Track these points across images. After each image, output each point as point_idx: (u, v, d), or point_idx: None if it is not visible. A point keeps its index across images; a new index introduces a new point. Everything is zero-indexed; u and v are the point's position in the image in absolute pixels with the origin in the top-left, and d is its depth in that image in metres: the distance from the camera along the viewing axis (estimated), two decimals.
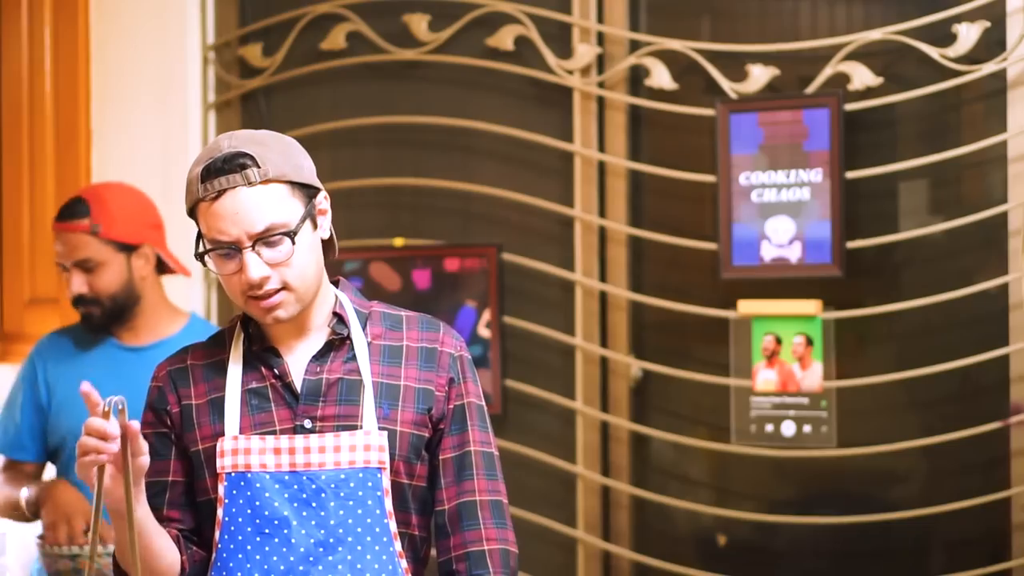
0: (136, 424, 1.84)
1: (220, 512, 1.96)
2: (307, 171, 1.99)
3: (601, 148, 3.21)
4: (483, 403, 2.08)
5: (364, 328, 2.03)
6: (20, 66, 3.74)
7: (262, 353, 2.01)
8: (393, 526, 1.95)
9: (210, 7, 3.56)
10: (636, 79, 3.20)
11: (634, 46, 3.19)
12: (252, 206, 1.90)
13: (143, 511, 1.91)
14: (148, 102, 3.57)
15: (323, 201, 2.01)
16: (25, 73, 3.73)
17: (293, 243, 1.92)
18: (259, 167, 1.91)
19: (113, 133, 3.63)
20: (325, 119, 3.46)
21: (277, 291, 1.93)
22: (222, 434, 1.97)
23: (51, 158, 3.69)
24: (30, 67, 3.73)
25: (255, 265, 1.90)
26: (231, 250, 1.92)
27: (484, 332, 3.25)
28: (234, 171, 1.90)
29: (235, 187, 1.90)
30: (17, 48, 3.75)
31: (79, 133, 3.65)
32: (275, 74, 3.50)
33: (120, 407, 1.82)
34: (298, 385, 1.99)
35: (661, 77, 3.12)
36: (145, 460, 1.86)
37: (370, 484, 1.94)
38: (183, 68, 3.53)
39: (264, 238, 1.91)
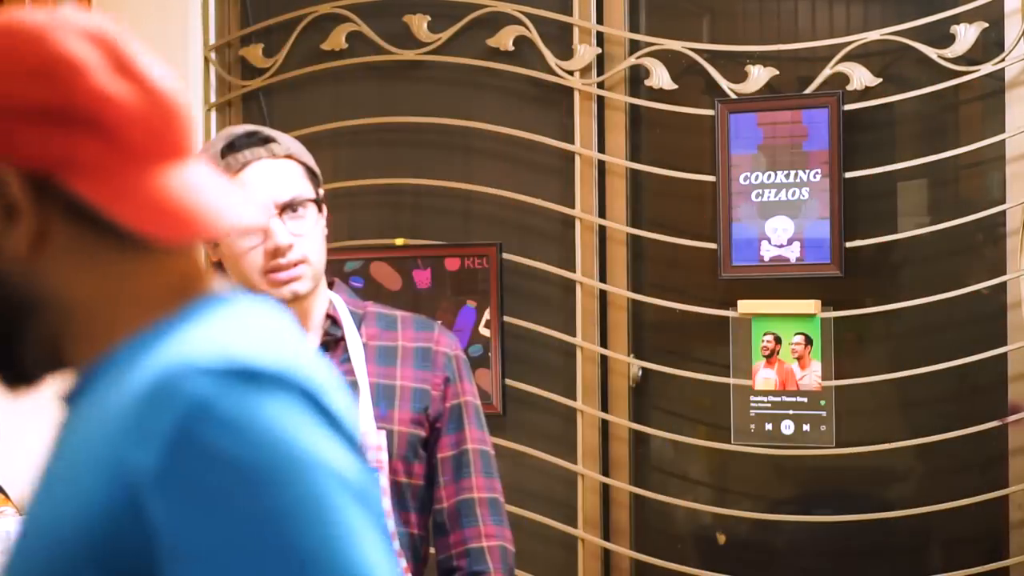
0: None
1: None
2: (312, 160, 2.04)
3: (601, 148, 3.22)
4: (479, 402, 2.09)
5: (359, 329, 2.05)
6: None
7: None
8: (391, 525, 1.96)
9: (211, 8, 3.57)
10: (636, 79, 3.21)
11: (634, 46, 3.20)
12: (278, 175, 1.96)
13: None
14: None
15: (322, 195, 2.05)
16: None
17: (320, 210, 1.97)
18: (278, 143, 1.96)
19: None
20: (326, 119, 3.47)
21: (297, 263, 1.95)
22: None
23: None
24: None
25: (283, 231, 1.94)
26: None
27: (484, 332, 3.26)
28: (257, 145, 1.96)
29: (259, 159, 1.95)
30: None
31: None
32: (276, 74, 3.51)
33: None
34: None
35: (661, 77, 3.13)
36: None
37: None
38: (184, 68, 3.54)
39: (290, 206, 1.94)
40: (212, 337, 0.98)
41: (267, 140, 1.98)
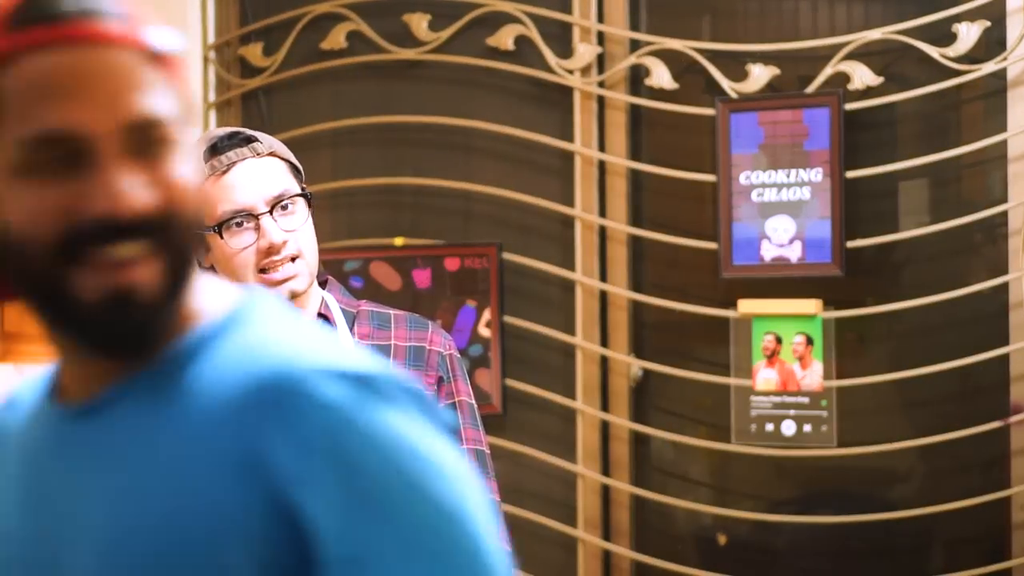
0: None
1: None
2: (294, 159, 2.04)
3: (601, 148, 3.21)
4: (473, 401, 2.08)
5: (351, 328, 2.04)
6: None
7: None
8: None
9: (210, 7, 3.56)
10: (636, 78, 3.20)
11: (634, 45, 3.19)
12: (264, 173, 1.97)
13: None
14: None
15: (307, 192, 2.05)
16: None
17: (309, 204, 1.97)
18: (260, 142, 1.97)
19: None
20: (325, 119, 3.46)
21: (292, 260, 1.95)
22: None
23: None
24: None
25: (276, 228, 1.94)
26: (245, 219, 1.94)
27: (484, 332, 3.25)
28: (240, 145, 1.97)
29: (244, 159, 1.95)
30: None
31: None
32: (275, 73, 3.51)
33: None
34: None
35: (661, 77, 3.12)
36: None
37: None
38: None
39: (279, 202, 1.94)
40: (300, 338, 1.02)
41: (249, 139, 1.98)
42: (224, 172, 1.95)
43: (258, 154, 1.97)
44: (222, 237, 1.95)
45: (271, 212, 1.95)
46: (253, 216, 1.95)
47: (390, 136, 3.43)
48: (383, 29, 3.40)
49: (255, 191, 1.95)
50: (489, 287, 3.26)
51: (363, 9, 3.41)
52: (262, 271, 1.95)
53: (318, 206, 2.08)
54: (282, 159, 2.00)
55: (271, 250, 1.94)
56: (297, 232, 1.96)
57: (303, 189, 2.01)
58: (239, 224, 1.95)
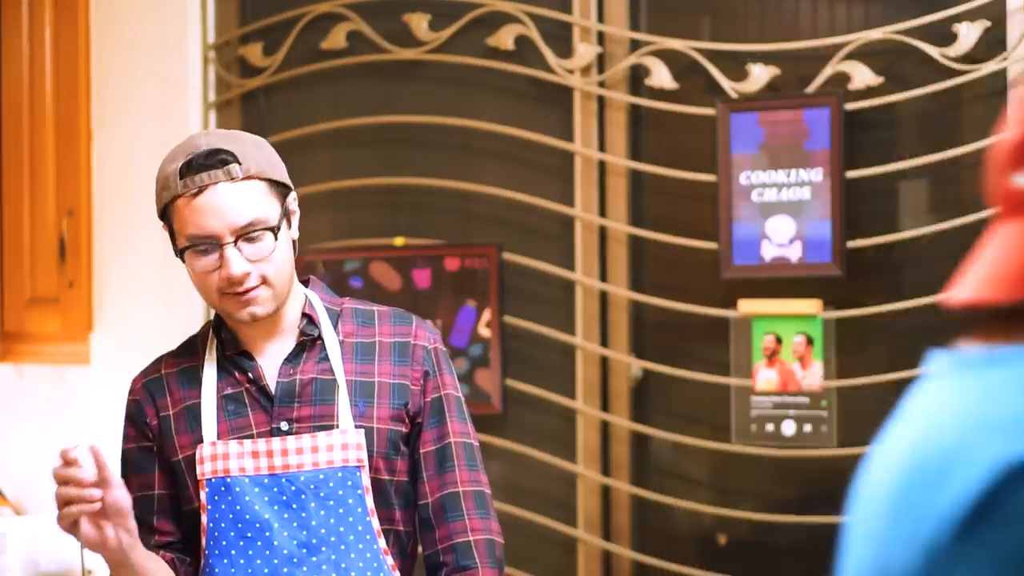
0: (103, 459, 1.84)
1: (204, 519, 1.97)
2: (281, 170, 2.00)
3: (601, 148, 3.21)
4: (460, 394, 2.08)
5: (335, 326, 2.03)
6: (20, 66, 3.74)
7: (235, 357, 2.01)
8: (376, 523, 1.95)
9: (210, 6, 3.56)
10: (636, 78, 3.20)
11: (634, 45, 3.19)
12: (235, 201, 1.91)
13: (140, 552, 1.91)
14: (148, 102, 3.57)
15: (293, 202, 2.02)
16: (26, 73, 3.74)
17: (276, 238, 1.94)
18: (240, 164, 1.92)
19: (113, 133, 3.63)
20: (325, 119, 3.46)
21: (256, 287, 1.93)
22: (200, 441, 1.98)
23: (51, 158, 3.70)
24: (30, 67, 3.74)
25: (237, 261, 1.90)
26: (210, 246, 1.92)
27: (484, 332, 3.25)
28: (215, 167, 1.91)
29: (217, 183, 1.90)
30: (17, 48, 3.75)
31: (79, 133, 3.66)
32: (275, 73, 3.51)
33: (90, 450, 1.84)
34: (272, 388, 1.99)
35: (661, 76, 3.12)
36: (121, 493, 1.86)
37: (350, 483, 1.94)
38: (183, 67, 3.54)
39: (246, 233, 1.91)
40: None
41: (226, 161, 1.91)
42: (195, 195, 1.91)
43: (232, 179, 1.91)
44: (183, 260, 1.95)
45: (236, 242, 1.92)
46: (218, 244, 1.93)
47: (390, 136, 3.43)
48: (383, 29, 3.40)
49: (222, 220, 1.90)
50: (489, 287, 3.26)
51: (363, 9, 3.41)
52: (224, 295, 1.95)
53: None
54: (262, 180, 1.94)
55: (230, 281, 1.92)
56: (263, 260, 1.93)
57: (284, 207, 1.98)
58: (203, 251, 1.93)
